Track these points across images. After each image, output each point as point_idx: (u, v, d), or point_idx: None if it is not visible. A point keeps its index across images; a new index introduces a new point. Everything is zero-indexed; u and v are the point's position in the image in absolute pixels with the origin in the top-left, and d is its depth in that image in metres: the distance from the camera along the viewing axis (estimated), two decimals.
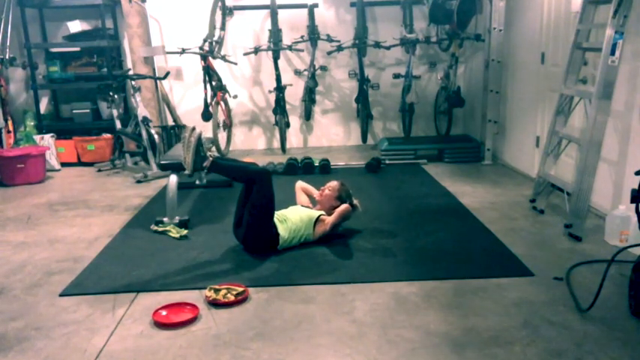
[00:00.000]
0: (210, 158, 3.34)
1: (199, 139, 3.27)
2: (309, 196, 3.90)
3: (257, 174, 3.37)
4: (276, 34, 6.17)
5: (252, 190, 3.31)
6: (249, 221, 3.32)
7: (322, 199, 3.70)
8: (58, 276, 3.15)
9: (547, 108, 4.77)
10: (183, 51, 5.81)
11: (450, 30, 5.91)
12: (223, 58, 6.12)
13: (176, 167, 3.96)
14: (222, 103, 6.10)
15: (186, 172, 3.32)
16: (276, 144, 6.89)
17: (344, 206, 3.51)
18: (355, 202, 3.71)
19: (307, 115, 6.63)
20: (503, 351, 2.28)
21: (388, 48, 6.16)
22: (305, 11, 6.47)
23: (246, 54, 6.31)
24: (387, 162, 5.78)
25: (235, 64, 6.45)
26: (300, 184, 3.95)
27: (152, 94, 6.23)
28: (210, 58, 5.96)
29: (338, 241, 3.54)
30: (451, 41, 5.99)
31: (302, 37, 6.27)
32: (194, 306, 2.68)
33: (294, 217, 3.46)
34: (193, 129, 3.28)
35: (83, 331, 2.53)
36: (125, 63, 6.53)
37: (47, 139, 6.00)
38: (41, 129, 6.28)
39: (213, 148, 3.36)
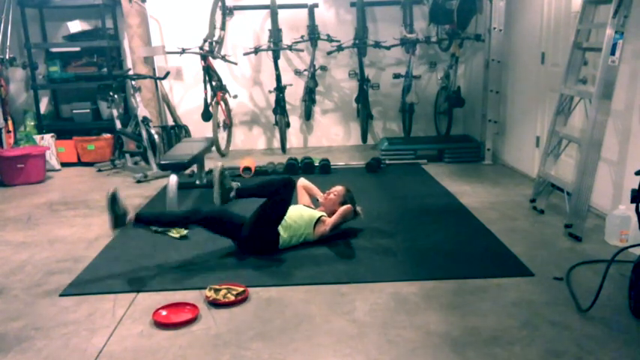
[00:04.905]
0: (235, 187, 3.41)
1: (222, 173, 3.34)
2: (311, 196, 3.90)
3: (283, 186, 3.33)
4: (276, 34, 6.17)
5: (270, 199, 3.31)
6: (255, 223, 3.31)
7: (326, 202, 3.70)
8: (58, 276, 3.15)
9: (547, 108, 4.77)
10: (184, 51, 5.81)
11: (450, 30, 5.91)
12: (223, 58, 6.12)
13: (176, 167, 3.97)
14: (222, 103, 6.10)
15: (217, 204, 3.37)
16: (277, 144, 6.88)
17: (345, 206, 3.52)
18: (358, 208, 3.71)
19: (307, 115, 6.63)
20: (503, 351, 2.28)
21: (388, 48, 6.16)
22: (305, 11, 6.47)
23: (246, 54, 6.31)
24: (387, 162, 5.77)
25: (235, 64, 6.45)
26: (302, 183, 3.93)
27: (152, 94, 6.23)
28: (210, 58, 5.96)
29: (338, 241, 3.54)
30: (451, 41, 5.99)
31: (302, 37, 6.26)
32: (194, 306, 2.68)
33: (295, 215, 3.46)
34: (216, 167, 3.36)
35: (83, 331, 2.53)
36: (125, 63, 6.53)
37: (47, 139, 6.00)
38: (41, 129, 6.27)
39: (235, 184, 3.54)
